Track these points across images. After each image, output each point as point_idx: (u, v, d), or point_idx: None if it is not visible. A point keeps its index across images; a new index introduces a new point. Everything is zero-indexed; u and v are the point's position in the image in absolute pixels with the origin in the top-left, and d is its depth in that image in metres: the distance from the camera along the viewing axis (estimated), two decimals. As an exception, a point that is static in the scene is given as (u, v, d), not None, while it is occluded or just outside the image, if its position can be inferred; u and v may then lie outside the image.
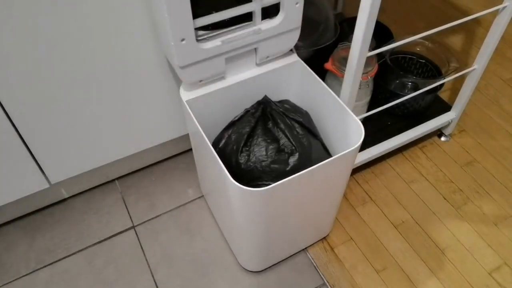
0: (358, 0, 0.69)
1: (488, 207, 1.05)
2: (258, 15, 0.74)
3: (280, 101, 0.86)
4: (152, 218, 1.03)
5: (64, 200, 1.06)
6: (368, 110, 1.06)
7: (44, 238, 0.99)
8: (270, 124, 0.78)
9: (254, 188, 0.64)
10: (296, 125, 0.79)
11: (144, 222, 1.02)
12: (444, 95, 1.29)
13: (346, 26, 1.26)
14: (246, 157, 0.76)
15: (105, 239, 0.99)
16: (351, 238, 1.00)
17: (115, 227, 1.01)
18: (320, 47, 1.08)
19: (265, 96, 0.82)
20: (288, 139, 0.76)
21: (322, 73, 1.03)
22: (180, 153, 1.15)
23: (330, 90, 0.79)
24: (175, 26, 0.66)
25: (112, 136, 0.92)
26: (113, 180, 1.10)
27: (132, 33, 0.77)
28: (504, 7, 0.88)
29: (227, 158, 0.77)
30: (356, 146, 0.70)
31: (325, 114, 0.84)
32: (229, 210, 0.78)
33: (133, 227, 1.01)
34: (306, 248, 0.97)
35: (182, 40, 0.68)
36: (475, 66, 1.01)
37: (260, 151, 0.75)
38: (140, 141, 0.98)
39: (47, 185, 0.93)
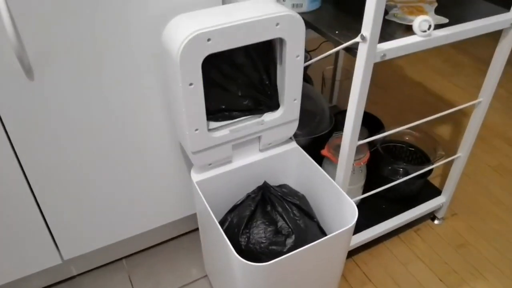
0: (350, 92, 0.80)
1: (484, 289, 1.08)
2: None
3: (279, 186, 0.94)
4: (157, 297, 1.06)
5: (73, 277, 1.10)
6: (363, 194, 1.14)
7: (50, 316, 1.01)
8: (269, 208, 0.85)
9: (255, 263, 0.69)
10: (294, 207, 0.86)
11: (149, 300, 1.05)
12: (434, 180, 1.38)
13: (340, 117, 1.39)
14: (246, 239, 0.82)
15: (110, 318, 1.01)
16: (351, 319, 1.01)
17: (120, 305, 1.04)
18: (317, 136, 1.20)
19: (265, 182, 0.90)
20: (285, 221, 0.83)
21: (319, 159, 1.13)
22: (185, 233, 1.20)
23: (325, 173, 0.88)
24: (191, 119, 0.77)
25: (124, 214, 1.00)
26: (120, 259, 1.14)
27: (151, 120, 0.89)
28: (479, 102, 1.00)
29: (230, 240, 0.83)
30: (350, 226, 0.77)
31: (321, 196, 0.92)
32: (231, 286, 0.82)
33: (138, 305, 1.04)
34: (306, 329, 0.99)
35: (196, 130, 0.79)
36: (459, 154, 1.10)
37: (259, 233, 0.82)
38: (151, 220, 1.05)
39: (59, 261, 0.97)
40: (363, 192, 1.14)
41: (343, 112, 1.47)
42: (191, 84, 0.73)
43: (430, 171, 1.17)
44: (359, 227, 1.12)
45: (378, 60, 0.72)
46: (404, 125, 1.23)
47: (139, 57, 0.80)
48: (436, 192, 1.23)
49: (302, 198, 0.92)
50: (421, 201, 1.21)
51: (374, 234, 1.11)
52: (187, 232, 1.21)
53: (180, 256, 1.15)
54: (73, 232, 0.95)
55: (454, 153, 1.12)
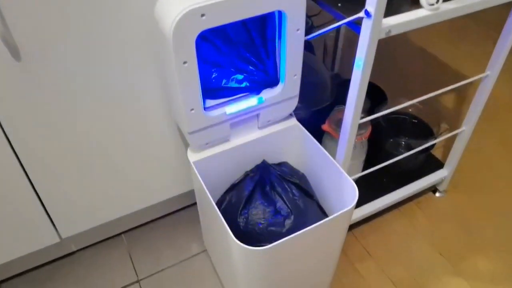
0: (353, 60, 0.76)
1: (483, 263, 1.08)
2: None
3: (279, 164, 0.92)
4: (157, 272, 1.06)
5: (73, 253, 1.10)
6: (364, 168, 1.12)
7: (51, 292, 1.02)
8: (268, 188, 0.84)
9: (254, 247, 0.68)
10: (293, 187, 0.84)
11: (149, 276, 1.05)
12: (437, 152, 1.36)
13: (342, 88, 1.35)
14: (245, 220, 0.81)
15: (110, 293, 1.02)
16: (350, 294, 1.02)
17: (121, 281, 1.04)
18: (318, 109, 1.16)
19: (264, 161, 0.88)
20: (284, 202, 0.81)
21: (319, 134, 1.10)
22: (184, 207, 1.20)
23: (326, 152, 0.85)
24: (186, 98, 0.74)
25: (121, 192, 0.98)
26: (119, 234, 1.14)
27: (147, 97, 0.85)
28: (486, 75, 0.96)
29: (228, 220, 0.82)
30: (349, 207, 0.75)
31: (322, 175, 0.90)
32: (230, 266, 0.82)
33: (138, 281, 1.04)
34: (306, 304, 0.99)
35: (191, 110, 0.76)
36: (463, 127, 1.07)
37: (258, 214, 0.80)
38: (148, 197, 1.03)
39: (58, 240, 0.97)
40: (364, 167, 1.12)
41: (345, 82, 1.43)
42: (185, 63, 0.69)
43: (433, 144, 1.15)
44: (359, 202, 1.09)
45: (382, 36, 0.67)
46: (407, 94, 1.19)
47: (133, 33, 0.76)
48: (439, 165, 1.21)
49: (302, 177, 0.90)
50: (423, 175, 1.19)
51: (375, 208, 1.10)
52: (186, 206, 1.20)
53: (179, 230, 1.15)
54: (71, 211, 0.94)
55: (458, 125, 1.09)
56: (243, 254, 0.72)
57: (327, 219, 0.73)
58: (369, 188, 1.13)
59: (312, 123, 1.05)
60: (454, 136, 1.12)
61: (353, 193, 0.78)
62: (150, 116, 0.89)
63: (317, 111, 1.16)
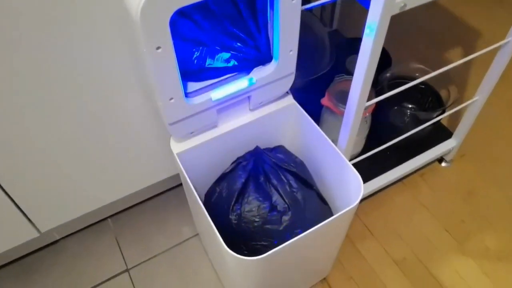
0: (354, 14, 0.65)
1: (491, 241, 1.03)
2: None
3: (274, 149, 0.82)
4: (147, 260, 1.00)
5: (56, 241, 1.03)
6: (366, 143, 1.03)
7: (36, 284, 0.96)
8: (262, 179, 0.75)
9: (247, 258, 0.61)
10: (290, 177, 0.76)
11: (138, 264, 0.99)
12: (444, 120, 1.26)
13: (343, 47, 1.22)
14: (237, 216, 0.73)
15: (99, 284, 0.97)
16: (351, 277, 0.97)
17: (109, 271, 0.98)
18: (314, 78, 1.05)
19: (257, 147, 0.78)
20: (281, 195, 0.73)
21: (317, 108, 0.99)
22: (172, 188, 1.11)
23: (328, 139, 0.75)
24: (162, 87, 0.62)
25: (103, 182, 0.89)
26: (105, 219, 1.07)
27: (126, 81, 0.74)
28: (506, 42, 0.84)
29: (219, 216, 0.74)
30: (353, 205, 0.67)
31: (321, 161, 0.81)
32: (223, 269, 0.75)
33: (127, 270, 0.99)
34: (305, 290, 0.95)
35: (170, 99, 0.65)
36: (476, 97, 0.97)
37: (252, 211, 0.72)
38: (132, 185, 0.95)
39: (37, 234, 0.90)
40: (366, 142, 1.03)
41: (346, 42, 1.30)
42: (158, 48, 0.58)
43: (442, 113, 1.05)
44: (362, 179, 1.03)
45: (396, 12, 0.55)
46: (416, 60, 1.08)
47: (105, 15, 0.63)
48: (447, 134, 1.12)
49: (300, 164, 0.81)
50: (430, 145, 1.10)
51: (378, 186, 1.03)
52: (175, 186, 1.12)
53: (169, 213, 1.08)
54: (48, 206, 0.86)
55: (471, 93, 0.99)
56: (236, 262, 0.64)
57: (329, 220, 0.66)
58: (371, 164, 1.04)
59: (307, 95, 0.94)
60: (464, 106, 1.02)
61: (358, 186, 0.70)
62: (130, 99, 0.78)
63: (314, 80, 1.05)
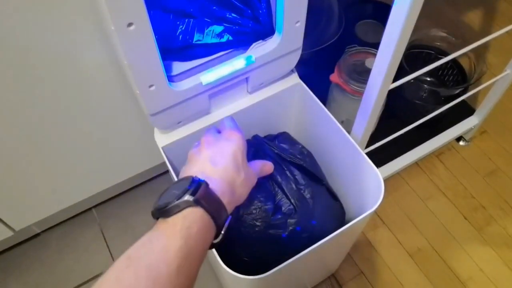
0: None
1: (515, 228, 0.94)
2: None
3: (276, 136, 0.71)
4: (137, 255, 0.91)
5: (37, 235, 0.94)
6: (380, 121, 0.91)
7: (18, 283, 0.88)
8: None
9: (247, 277, 0.51)
10: (296, 171, 0.65)
11: (128, 260, 0.90)
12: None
13: (353, 12, 1.08)
14: (235, 220, 0.62)
15: (86, 282, 0.88)
16: (362, 271, 0.88)
17: (95, 267, 0.89)
18: (321, 48, 0.92)
19: (256, 136, 0.67)
20: (286, 195, 0.62)
21: (324, 84, 0.87)
22: (162, 173, 1.01)
23: (342, 128, 0.64)
24: (139, 73, 0.50)
25: (83, 174, 0.79)
26: (90, 209, 0.97)
27: (101, 68, 0.61)
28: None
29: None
30: (373, 209, 0.57)
31: (331, 151, 0.70)
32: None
33: (116, 266, 0.90)
34: (312, 288, 0.86)
35: (150, 86, 0.53)
36: (507, 70, 0.85)
37: (252, 214, 0.62)
38: (115, 175, 0.84)
39: (11, 233, 0.80)
40: (380, 123, 0.91)
41: (356, 5, 1.15)
42: (130, 25, 0.45)
43: (465, 89, 0.93)
44: (375, 164, 0.92)
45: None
46: (439, 26, 0.94)
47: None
48: (468, 111, 1.01)
49: (308, 155, 0.70)
50: (449, 124, 0.99)
51: (393, 171, 0.93)
52: (165, 172, 1.01)
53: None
54: (21, 203, 0.76)
55: (499, 68, 0.87)
56: (234, 280, 0.55)
57: (344, 227, 0.55)
58: (385, 147, 0.94)
59: (312, 70, 0.82)
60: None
61: (377, 185, 0.59)
62: (107, 83, 0.66)
63: (319, 51, 0.92)
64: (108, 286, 0.32)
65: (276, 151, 0.66)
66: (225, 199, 0.42)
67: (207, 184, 0.40)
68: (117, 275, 0.33)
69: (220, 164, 0.44)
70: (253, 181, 0.49)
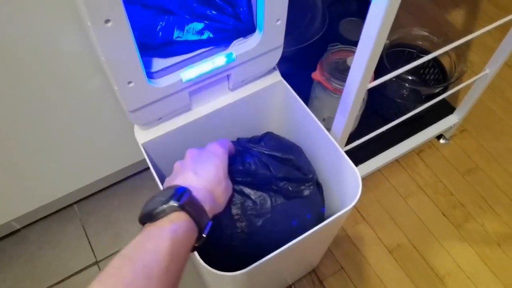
0: None
1: (491, 224, 0.96)
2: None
3: (262, 137, 0.70)
4: (117, 251, 0.90)
5: (17, 231, 0.93)
6: (361, 119, 0.93)
7: (-5, 279, 0.87)
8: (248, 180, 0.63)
9: (225, 273, 0.51)
10: (282, 167, 0.65)
11: (109, 256, 0.90)
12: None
13: (337, 8, 1.09)
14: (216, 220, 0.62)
15: (67, 278, 0.87)
16: (342, 267, 0.90)
17: (77, 264, 0.89)
18: (304, 46, 0.92)
19: (239, 141, 0.67)
20: (265, 191, 0.62)
21: (306, 82, 0.88)
22: (144, 170, 1.00)
23: (321, 126, 0.64)
24: (117, 70, 0.50)
25: (64, 170, 0.78)
26: (71, 205, 0.96)
27: (79, 62, 0.61)
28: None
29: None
30: (351, 206, 0.58)
31: (313, 146, 0.70)
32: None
33: (97, 262, 0.89)
34: (292, 283, 0.87)
35: (129, 83, 0.53)
36: (486, 70, 0.86)
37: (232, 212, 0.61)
38: (96, 172, 0.84)
39: (-13, 230, 0.79)
40: (361, 120, 0.92)
41: (340, 2, 1.15)
42: (107, 21, 0.45)
43: (445, 88, 0.94)
44: (355, 161, 0.93)
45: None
46: (421, 25, 0.96)
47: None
48: (449, 109, 1.02)
49: (297, 151, 0.70)
50: (429, 122, 1.00)
51: (372, 169, 0.94)
52: (143, 170, 1.00)
53: (140, 197, 0.97)
54: (0, 199, 0.75)
55: (479, 67, 0.88)
56: (215, 278, 0.55)
57: (321, 225, 0.56)
58: (365, 144, 0.95)
59: (294, 67, 0.82)
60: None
61: (355, 184, 0.60)
62: (87, 77, 0.65)
63: (302, 48, 0.92)
64: (108, 281, 0.35)
65: (261, 151, 0.66)
66: (206, 206, 0.45)
67: (190, 192, 0.44)
68: (116, 271, 0.36)
69: (202, 175, 0.48)
70: (230, 191, 0.54)
